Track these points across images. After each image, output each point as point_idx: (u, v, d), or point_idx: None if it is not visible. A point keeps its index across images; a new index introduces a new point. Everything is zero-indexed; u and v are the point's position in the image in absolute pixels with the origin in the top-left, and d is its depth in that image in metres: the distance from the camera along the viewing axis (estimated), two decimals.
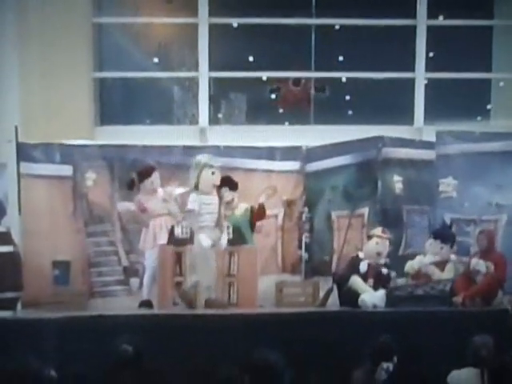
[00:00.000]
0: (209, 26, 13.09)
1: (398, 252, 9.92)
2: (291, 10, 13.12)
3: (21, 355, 5.10)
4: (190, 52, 13.26)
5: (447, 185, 10.13)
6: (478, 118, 13.48)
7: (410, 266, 9.07)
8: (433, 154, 10.26)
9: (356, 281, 8.79)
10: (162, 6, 13.41)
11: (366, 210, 10.23)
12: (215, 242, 8.87)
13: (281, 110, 13.56)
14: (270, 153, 10.89)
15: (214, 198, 8.99)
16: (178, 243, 9.16)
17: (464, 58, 13.18)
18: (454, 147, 10.18)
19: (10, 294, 8.89)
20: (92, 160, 10.36)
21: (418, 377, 6.69)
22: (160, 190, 9.57)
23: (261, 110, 13.56)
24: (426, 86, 13.24)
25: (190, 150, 10.40)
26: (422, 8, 13.21)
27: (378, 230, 9.16)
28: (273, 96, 13.48)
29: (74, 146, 10.48)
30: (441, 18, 13.43)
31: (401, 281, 9.05)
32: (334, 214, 10.63)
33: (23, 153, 10.14)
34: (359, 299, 8.58)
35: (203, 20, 13.07)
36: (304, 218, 10.68)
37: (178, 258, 9.12)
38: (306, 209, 10.72)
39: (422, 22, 13.24)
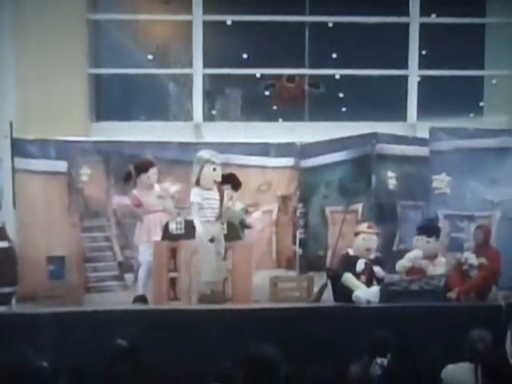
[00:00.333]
0: (203, 24, 13.11)
1: (392, 247, 9.96)
2: (285, 8, 13.13)
3: (16, 350, 5.11)
4: (184, 49, 13.27)
5: (441, 181, 10.16)
6: (471, 115, 13.54)
7: (401, 265, 9.10)
8: (426, 150, 10.28)
9: (349, 278, 8.79)
10: (157, 4, 13.43)
11: (360, 206, 10.27)
12: (215, 237, 8.87)
13: (275, 107, 13.59)
14: (264, 149, 10.92)
15: (215, 194, 8.98)
16: (172, 239, 9.19)
17: (457, 56, 13.23)
18: (447, 143, 10.22)
19: (5, 289, 8.92)
20: (87, 155, 10.36)
21: (413, 372, 6.70)
22: (156, 186, 9.59)
23: (255, 107, 13.59)
24: (419, 83, 13.28)
25: (185, 146, 10.47)
26: (414, 6, 13.26)
27: (363, 226, 9.17)
28: (267, 93, 13.51)
29: (69, 141, 10.48)
30: (433, 15, 13.46)
31: (395, 276, 9.08)
32: (328, 210, 10.66)
33: (18, 148, 10.15)
34: (353, 295, 8.58)
35: (197, 17, 13.09)
36: (298, 213, 10.73)
37: (173, 254, 9.16)
38: (301, 204, 10.77)
39: (414, 20, 13.29)
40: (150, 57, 13.44)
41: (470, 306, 8.43)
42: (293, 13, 13.27)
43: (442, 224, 10.02)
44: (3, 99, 11.62)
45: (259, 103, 13.58)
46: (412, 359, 7.08)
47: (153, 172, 9.61)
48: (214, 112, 13.59)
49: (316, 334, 7.70)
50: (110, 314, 7.96)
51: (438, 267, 9.09)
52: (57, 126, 11.09)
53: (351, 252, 9.08)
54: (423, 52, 13.29)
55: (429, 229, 9.30)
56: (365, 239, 9.02)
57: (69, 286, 9.64)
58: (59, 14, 12.16)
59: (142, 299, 9.36)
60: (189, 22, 13.14)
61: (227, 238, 9.12)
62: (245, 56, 13.41)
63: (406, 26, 13.26)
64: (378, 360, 6.59)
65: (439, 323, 7.87)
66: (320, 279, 9.49)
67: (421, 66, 13.25)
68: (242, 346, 5.23)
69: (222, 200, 8.95)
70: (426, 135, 10.41)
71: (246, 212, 9.75)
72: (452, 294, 8.61)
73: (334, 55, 13.52)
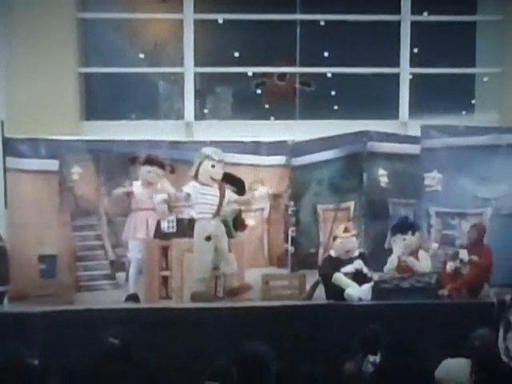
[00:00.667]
0: (194, 22, 13.08)
1: (384, 245, 9.96)
2: (276, 6, 13.12)
3: (7, 348, 5.11)
4: (175, 47, 13.23)
5: (432, 178, 10.17)
6: (463, 113, 13.52)
7: (388, 268, 9.14)
8: (418, 148, 10.30)
9: (339, 277, 8.81)
10: (148, 2, 13.40)
11: (351, 204, 10.28)
12: (212, 235, 8.74)
13: (266, 105, 13.57)
14: (255, 147, 10.93)
15: (213, 190, 8.82)
16: (164, 237, 9.20)
17: (448, 54, 13.22)
18: (438, 141, 10.24)
19: None
20: (78, 154, 10.36)
21: (405, 369, 6.69)
22: (152, 185, 9.59)
23: (247, 105, 13.57)
24: (411, 81, 13.27)
25: (176, 145, 10.48)
26: (406, 4, 13.23)
27: (339, 231, 9.23)
28: (258, 91, 13.49)
29: (59, 140, 10.47)
30: (425, 13, 13.47)
31: (386, 274, 9.10)
32: (319, 208, 10.66)
33: (9, 147, 10.15)
34: (345, 293, 8.61)
35: (188, 16, 13.04)
36: (290, 211, 10.74)
37: (165, 252, 9.16)
38: (292, 202, 10.78)
39: (406, 18, 13.26)
40: (141, 55, 13.39)
41: (462, 304, 8.44)
42: (284, 11, 13.23)
43: (434, 221, 10.05)
44: None
45: (250, 101, 13.55)
46: (404, 357, 7.07)
47: (155, 170, 9.63)
48: (205, 110, 13.56)
49: (308, 332, 7.72)
50: (101, 313, 7.97)
51: (423, 261, 9.11)
52: (47, 125, 11.06)
53: (333, 254, 9.12)
54: (415, 50, 13.27)
55: (401, 226, 9.33)
56: (342, 243, 9.08)
57: (60, 285, 9.63)
58: (49, 13, 12.10)
59: (133, 298, 9.37)
60: (180, 21, 13.10)
61: None
62: (236, 54, 13.38)
63: (398, 24, 13.24)
64: (371, 358, 6.60)
65: (431, 320, 7.88)
66: (312, 277, 9.51)
67: (412, 64, 13.23)
68: (234, 343, 5.24)
69: (222, 198, 8.86)
70: (418, 133, 10.42)
71: (239, 215, 9.70)
72: (444, 292, 8.62)
73: (326, 53, 13.49)
